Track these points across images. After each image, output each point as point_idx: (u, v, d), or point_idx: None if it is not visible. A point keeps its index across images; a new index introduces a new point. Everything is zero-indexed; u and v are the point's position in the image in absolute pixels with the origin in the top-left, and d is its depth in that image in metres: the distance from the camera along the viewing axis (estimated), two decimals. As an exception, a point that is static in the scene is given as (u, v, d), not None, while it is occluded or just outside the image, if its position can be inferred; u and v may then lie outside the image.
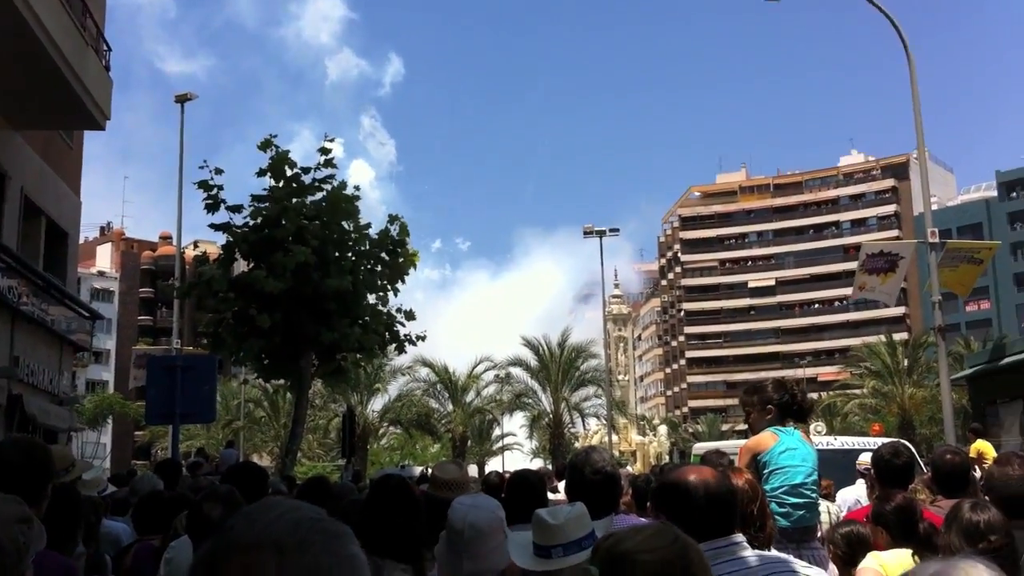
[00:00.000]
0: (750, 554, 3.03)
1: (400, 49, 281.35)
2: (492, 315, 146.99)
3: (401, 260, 17.83)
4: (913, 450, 9.95)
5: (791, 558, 3.29)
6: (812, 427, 34.90)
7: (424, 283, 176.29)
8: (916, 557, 4.39)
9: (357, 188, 17.95)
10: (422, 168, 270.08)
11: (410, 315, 18.28)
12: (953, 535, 3.89)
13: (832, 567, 5.28)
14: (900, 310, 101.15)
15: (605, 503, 4.19)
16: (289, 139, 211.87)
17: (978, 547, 3.71)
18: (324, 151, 17.72)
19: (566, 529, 3.45)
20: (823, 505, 7.73)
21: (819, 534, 7.20)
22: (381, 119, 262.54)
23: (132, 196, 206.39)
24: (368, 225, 17.82)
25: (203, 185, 16.93)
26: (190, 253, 26.13)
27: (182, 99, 32.07)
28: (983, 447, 15.11)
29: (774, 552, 3.25)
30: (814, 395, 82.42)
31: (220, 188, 17.02)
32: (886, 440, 8.68)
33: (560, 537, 3.43)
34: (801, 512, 5.50)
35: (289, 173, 17.30)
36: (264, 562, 1.19)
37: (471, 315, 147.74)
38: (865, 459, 9.53)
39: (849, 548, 5.13)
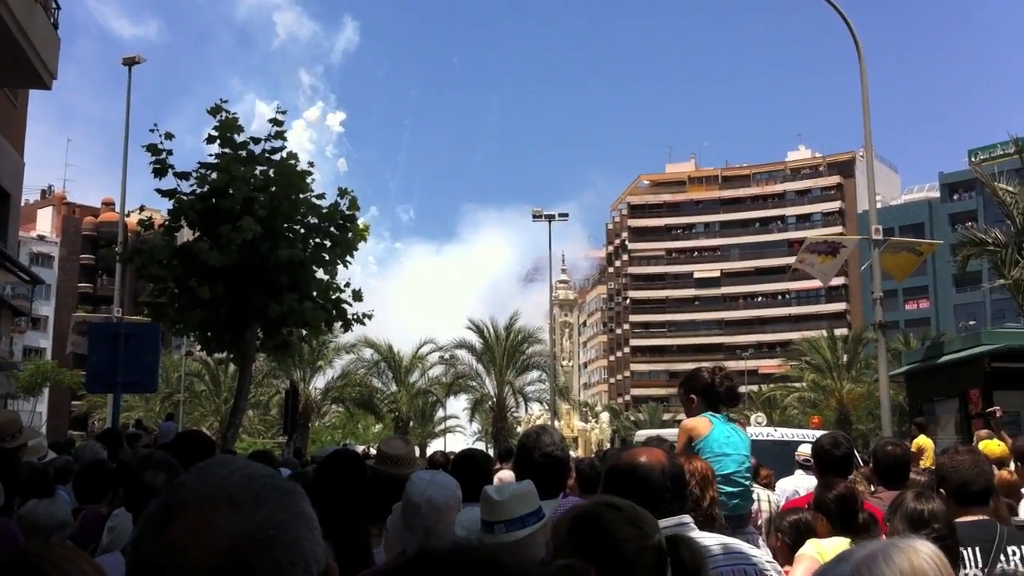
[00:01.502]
0: (698, 535, 3.07)
1: (356, 14, 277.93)
2: (437, 290, 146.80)
3: (351, 235, 17.69)
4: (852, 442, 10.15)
5: (733, 540, 3.32)
6: (752, 418, 35.35)
7: (365, 252, 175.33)
8: (854, 545, 4.46)
9: (311, 164, 17.76)
10: (368, 135, 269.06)
11: (357, 295, 18.15)
12: (897, 522, 3.97)
13: (766, 549, 5.34)
14: (841, 306, 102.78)
15: (554, 484, 4.21)
16: (238, 100, 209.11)
17: (921, 534, 3.78)
18: (276, 122, 17.49)
19: (510, 505, 3.47)
20: (764, 494, 7.84)
21: (759, 522, 7.32)
22: (330, 82, 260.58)
23: (75, 160, 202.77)
24: (321, 195, 17.64)
25: (151, 148, 16.63)
26: (134, 219, 25.64)
27: (130, 62, 31.51)
28: (924, 443, 15.37)
29: (713, 536, 3.26)
30: (754, 387, 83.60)
31: (169, 153, 16.74)
32: (825, 432, 8.81)
33: (504, 513, 3.44)
34: (736, 501, 5.52)
35: (239, 139, 17.06)
36: (219, 517, 1.18)
37: (415, 289, 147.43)
38: (804, 450, 9.68)
39: (797, 536, 5.19)
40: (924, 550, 1.82)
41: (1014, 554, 4.20)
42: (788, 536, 5.28)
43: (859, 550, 1.85)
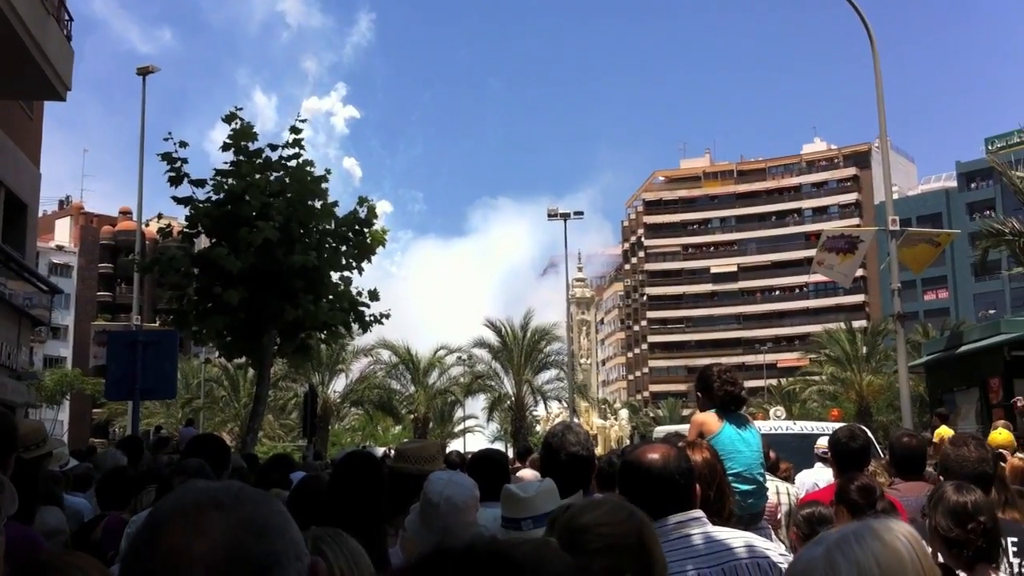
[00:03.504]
0: (697, 531, 3.08)
1: (372, 7, 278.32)
2: (451, 283, 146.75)
3: (368, 240, 17.73)
4: (869, 434, 10.08)
5: (745, 534, 3.32)
6: (772, 411, 35.24)
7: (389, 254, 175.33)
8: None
9: (328, 171, 17.84)
10: (376, 127, 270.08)
11: (374, 295, 18.19)
12: (940, 517, 3.90)
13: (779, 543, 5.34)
14: (859, 298, 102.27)
15: (578, 482, 4.23)
16: (245, 96, 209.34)
17: (967, 528, 3.75)
18: (295, 130, 17.56)
19: (536, 502, 3.52)
20: (783, 487, 7.83)
21: (778, 515, 7.31)
22: (339, 76, 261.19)
23: (92, 170, 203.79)
24: (335, 203, 17.71)
25: (166, 157, 16.71)
26: (152, 228, 25.82)
27: (144, 72, 31.66)
28: (946, 433, 15.29)
29: (724, 530, 3.25)
30: (773, 381, 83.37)
31: (184, 161, 16.82)
32: (842, 424, 8.80)
33: (530, 509, 3.49)
34: (751, 500, 5.51)
35: (253, 147, 17.13)
36: (207, 517, 1.22)
37: (429, 283, 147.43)
38: (823, 443, 9.66)
39: (810, 528, 5.20)
40: (899, 530, 1.83)
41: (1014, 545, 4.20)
42: (803, 529, 5.28)
43: (833, 532, 1.86)
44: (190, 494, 1.27)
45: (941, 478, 4.58)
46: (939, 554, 3.73)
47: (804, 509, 5.51)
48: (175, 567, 1.18)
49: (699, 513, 3.12)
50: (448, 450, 14.77)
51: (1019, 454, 8.02)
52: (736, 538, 3.13)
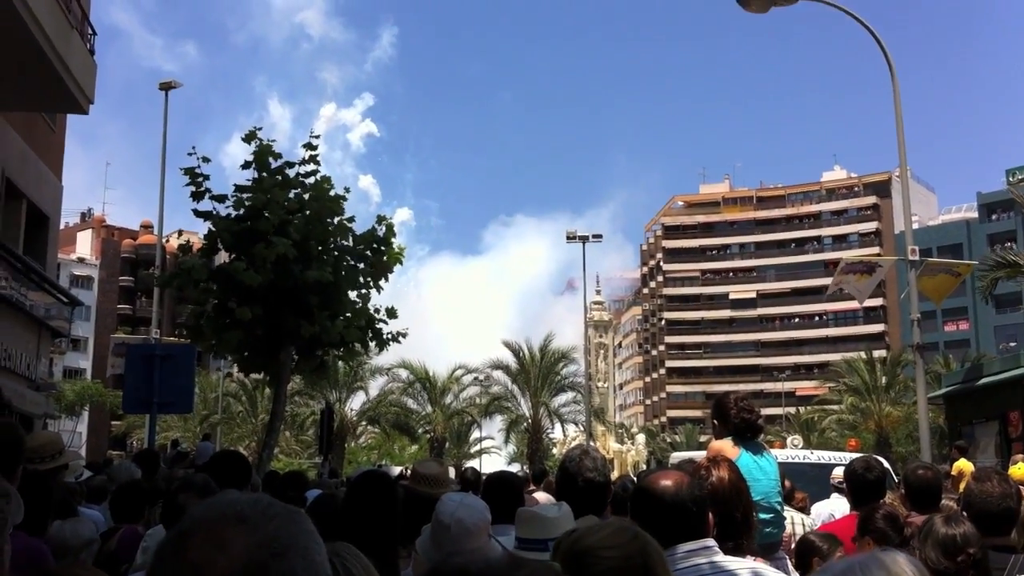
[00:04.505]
0: (705, 561, 3.03)
1: (397, 19, 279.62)
2: (468, 301, 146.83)
3: (385, 258, 17.77)
4: (887, 465, 9.98)
5: (754, 564, 3.28)
6: (789, 440, 35.02)
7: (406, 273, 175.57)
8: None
9: (347, 190, 17.91)
10: (402, 140, 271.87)
11: (392, 312, 18.19)
12: (929, 549, 3.90)
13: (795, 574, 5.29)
14: (879, 327, 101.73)
15: (593, 507, 4.22)
16: (263, 104, 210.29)
17: (957, 560, 3.73)
18: (310, 147, 17.64)
19: (562, 523, 3.54)
20: (797, 516, 7.76)
21: (791, 545, 7.24)
22: (366, 89, 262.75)
23: (114, 183, 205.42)
24: (352, 219, 17.76)
25: (189, 172, 16.82)
26: (173, 243, 26.07)
27: (166, 87, 31.93)
28: (964, 466, 15.14)
29: (734, 560, 3.19)
30: (791, 409, 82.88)
31: (206, 177, 16.93)
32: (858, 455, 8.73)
33: (555, 531, 3.49)
34: (768, 529, 5.46)
35: (274, 164, 17.22)
36: (230, 533, 1.23)
37: (446, 300, 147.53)
38: (839, 473, 9.58)
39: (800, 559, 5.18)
40: (902, 561, 1.83)
41: None
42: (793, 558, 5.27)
43: (837, 564, 1.85)
44: (219, 506, 1.28)
45: (964, 513, 4.54)
46: None
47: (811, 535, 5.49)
48: None
49: (711, 542, 3.08)
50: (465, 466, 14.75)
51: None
52: (745, 569, 3.09)
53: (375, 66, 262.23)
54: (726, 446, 5.54)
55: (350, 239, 17.64)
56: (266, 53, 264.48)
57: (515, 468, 52.30)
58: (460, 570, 1.28)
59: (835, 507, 9.49)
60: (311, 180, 17.38)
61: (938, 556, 3.82)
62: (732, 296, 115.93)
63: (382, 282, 17.98)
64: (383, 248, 17.80)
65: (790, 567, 5.43)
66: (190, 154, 16.95)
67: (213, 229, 16.99)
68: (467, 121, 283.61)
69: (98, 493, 8.32)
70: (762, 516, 5.33)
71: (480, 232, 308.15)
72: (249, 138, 17.29)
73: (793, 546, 7.21)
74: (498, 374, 55.60)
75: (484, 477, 7.01)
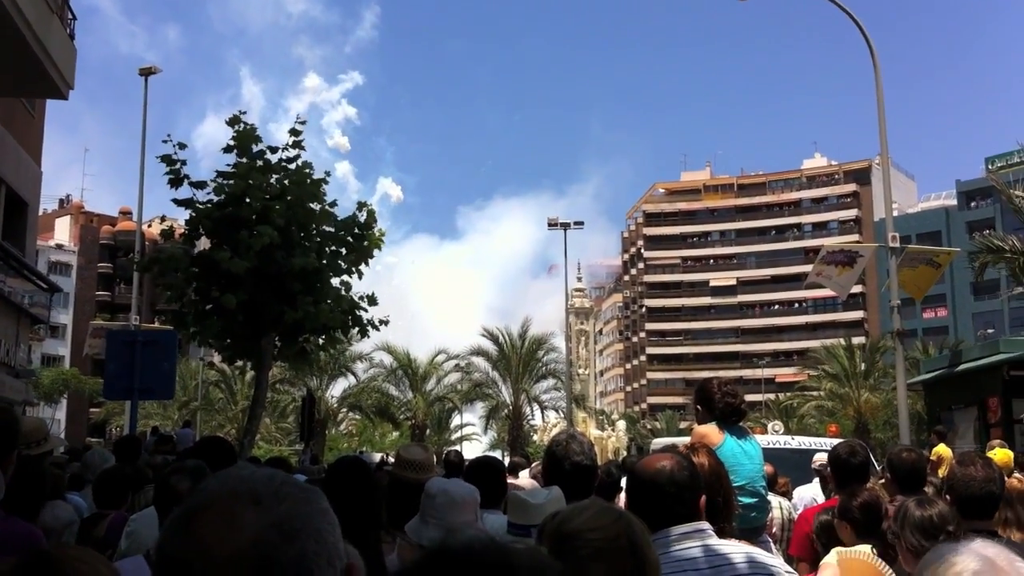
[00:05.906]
0: (698, 544, 3.04)
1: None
2: (448, 284, 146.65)
3: (366, 243, 17.69)
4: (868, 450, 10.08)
5: (748, 547, 3.29)
6: (770, 426, 35.20)
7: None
8: (875, 551, 4.47)
9: (328, 173, 17.81)
10: (382, 122, 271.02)
11: (372, 300, 18.11)
12: (909, 534, 3.90)
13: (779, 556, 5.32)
14: (859, 314, 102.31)
15: (581, 491, 4.22)
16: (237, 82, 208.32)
17: (939, 540, 3.74)
18: (294, 132, 17.51)
19: (547, 509, 3.52)
20: (776, 501, 7.81)
21: (773, 529, 7.29)
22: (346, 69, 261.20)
23: (93, 169, 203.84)
24: (334, 203, 17.65)
25: (166, 159, 16.65)
26: (154, 229, 25.82)
27: (146, 72, 31.68)
28: (943, 452, 15.25)
29: (727, 543, 3.20)
30: (771, 395, 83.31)
31: (183, 163, 16.77)
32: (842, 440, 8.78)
33: (541, 516, 3.48)
34: (753, 514, 5.47)
35: (256, 148, 17.08)
36: (242, 511, 1.21)
37: (425, 282, 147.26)
38: (821, 458, 9.65)
39: (828, 538, 5.21)
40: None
41: None
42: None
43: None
44: (231, 482, 1.25)
45: (947, 497, 4.56)
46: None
47: (821, 516, 5.55)
48: (202, 559, 1.18)
49: (704, 525, 3.08)
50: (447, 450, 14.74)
51: (1017, 474, 7.98)
52: (738, 552, 3.10)
53: (355, 48, 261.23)
54: (711, 431, 5.54)
55: (333, 225, 17.56)
56: (246, 35, 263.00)
57: (496, 454, 52.37)
58: (465, 548, 1.26)
59: (817, 492, 9.59)
60: (293, 166, 17.28)
61: (919, 539, 3.83)
62: (712, 283, 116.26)
63: (363, 267, 17.92)
64: (364, 233, 17.73)
65: (774, 549, 5.46)
66: (165, 141, 16.78)
67: (194, 215, 16.87)
68: (446, 100, 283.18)
69: (74, 481, 8.25)
70: (747, 500, 5.33)
71: (458, 211, 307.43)
72: (233, 122, 17.15)
73: (774, 530, 7.27)
74: (479, 361, 55.69)
75: (467, 463, 7.02)
